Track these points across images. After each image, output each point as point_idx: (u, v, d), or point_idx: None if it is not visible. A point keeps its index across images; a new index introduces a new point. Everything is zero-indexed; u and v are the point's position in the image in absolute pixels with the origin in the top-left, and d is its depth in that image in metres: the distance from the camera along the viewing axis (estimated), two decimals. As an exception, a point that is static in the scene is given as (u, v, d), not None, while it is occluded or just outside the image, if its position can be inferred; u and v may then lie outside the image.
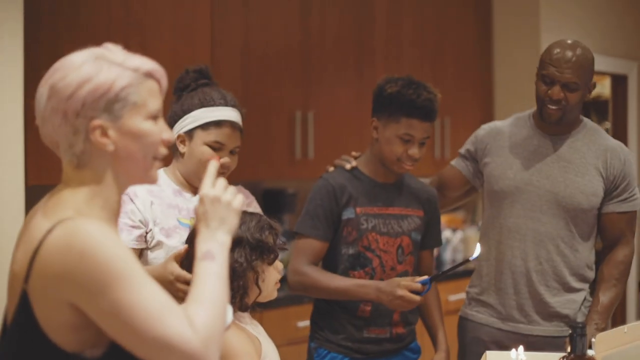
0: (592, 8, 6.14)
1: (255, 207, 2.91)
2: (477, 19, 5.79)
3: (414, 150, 2.88)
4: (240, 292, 2.22)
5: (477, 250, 2.75)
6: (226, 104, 2.75)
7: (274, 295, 2.34)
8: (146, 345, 1.53)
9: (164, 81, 1.72)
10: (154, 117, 1.69)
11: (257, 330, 2.34)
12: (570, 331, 2.96)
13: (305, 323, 4.15)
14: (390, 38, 5.15)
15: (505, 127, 3.22)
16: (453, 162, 3.32)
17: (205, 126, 2.70)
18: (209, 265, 1.66)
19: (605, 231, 3.12)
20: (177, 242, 2.64)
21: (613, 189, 3.06)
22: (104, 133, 1.63)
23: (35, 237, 1.58)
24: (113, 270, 1.52)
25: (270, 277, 2.30)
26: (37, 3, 3.60)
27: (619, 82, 6.53)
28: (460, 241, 5.64)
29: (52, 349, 1.57)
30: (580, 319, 3.08)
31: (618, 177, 3.05)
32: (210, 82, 2.83)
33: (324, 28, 4.79)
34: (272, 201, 4.85)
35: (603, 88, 7.06)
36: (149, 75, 1.68)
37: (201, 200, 1.77)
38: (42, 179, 3.58)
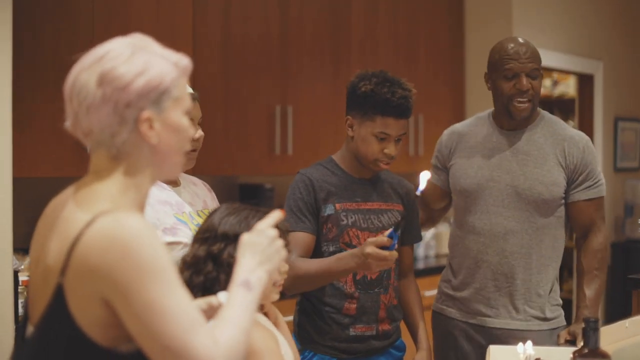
0: (562, 7, 6.21)
1: (213, 198, 2.86)
2: (450, 16, 5.82)
3: (390, 149, 2.86)
4: None
5: (423, 180, 2.64)
6: None
7: (272, 296, 2.28)
8: (168, 352, 1.52)
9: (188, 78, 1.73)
10: (186, 113, 1.70)
11: (272, 328, 2.33)
12: (538, 324, 3.04)
13: (288, 318, 4.14)
14: (366, 34, 5.16)
15: (466, 128, 3.26)
16: (430, 179, 3.38)
17: None
18: (245, 294, 1.67)
19: (575, 220, 3.14)
20: (185, 238, 2.56)
21: (575, 177, 3.07)
22: (151, 125, 1.62)
23: (72, 229, 1.56)
24: (154, 271, 1.51)
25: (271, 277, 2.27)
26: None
27: (585, 81, 6.61)
28: (433, 237, 5.67)
29: (86, 344, 1.55)
30: (547, 312, 3.10)
31: (579, 165, 3.07)
32: None
33: (302, 23, 4.78)
34: (249, 196, 4.83)
35: (568, 87, 7.15)
36: (185, 71, 1.69)
37: (256, 231, 1.77)
38: (28, 171, 3.55)
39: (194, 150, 2.71)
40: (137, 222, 1.54)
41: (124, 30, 3.85)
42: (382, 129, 2.83)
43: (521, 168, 3.08)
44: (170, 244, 2.54)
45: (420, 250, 5.56)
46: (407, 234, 3.08)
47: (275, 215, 1.83)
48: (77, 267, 1.53)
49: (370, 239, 2.58)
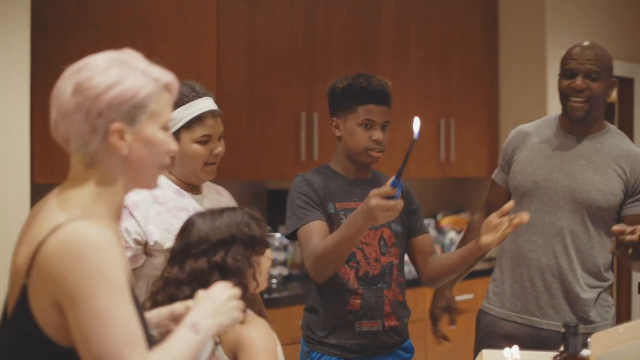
0: (598, 12, 6.15)
1: (227, 203, 2.91)
2: (484, 22, 5.80)
3: (377, 135, 2.93)
4: (243, 290, 2.23)
5: (416, 126, 2.60)
6: (199, 96, 2.78)
7: (265, 285, 2.35)
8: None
9: (176, 94, 1.79)
10: (166, 128, 1.75)
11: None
12: (585, 327, 3.03)
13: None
14: (397, 40, 5.17)
15: (531, 129, 3.31)
16: (493, 176, 3.40)
17: (188, 125, 2.74)
18: (190, 334, 1.73)
19: None
20: None
21: (634, 192, 3.10)
22: (122, 136, 1.68)
23: (39, 233, 1.62)
24: (104, 281, 1.57)
25: (264, 267, 2.32)
26: (43, 5, 3.64)
27: (625, 85, 6.54)
28: (464, 243, 5.65)
29: (47, 343, 1.62)
30: (593, 317, 3.12)
31: (639, 180, 3.10)
32: None
33: (329, 29, 4.82)
34: (276, 201, 4.88)
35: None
36: (167, 87, 1.74)
37: (214, 289, 1.86)
38: (47, 177, 3.63)
39: (213, 164, 2.80)
40: (98, 232, 1.60)
41: (147, 40, 3.99)
42: (365, 116, 2.93)
43: (580, 172, 3.12)
44: None
45: (451, 255, 5.55)
46: (414, 226, 3.09)
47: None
48: (39, 270, 1.60)
49: (374, 191, 2.55)
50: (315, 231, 2.87)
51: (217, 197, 2.94)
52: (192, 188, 2.84)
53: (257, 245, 2.27)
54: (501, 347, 3.06)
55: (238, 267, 2.21)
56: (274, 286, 4.52)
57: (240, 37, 4.42)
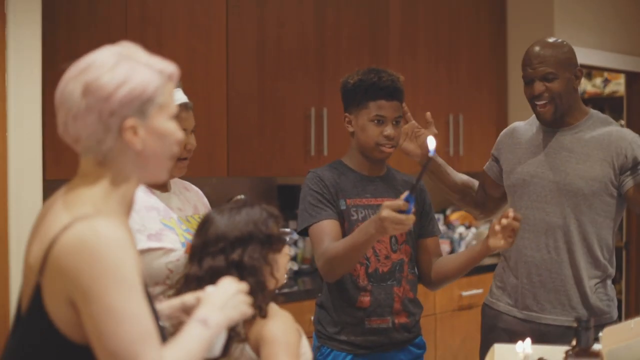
0: (606, 6, 6.16)
1: (204, 204, 2.87)
2: (492, 18, 5.81)
3: (389, 130, 2.94)
4: (260, 287, 2.24)
5: (431, 144, 2.64)
6: None
7: (284, 281, 2.35)
8: (116, 357, 1.58)
9: (177, 82, 1.80)
10: (172, 117, 1.77)
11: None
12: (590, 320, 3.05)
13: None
14: (405, 36, 5.18)
15: (521, 126, 3.35)
16: (485, 167, 3.46)
17: None
18: (201, 329, 1.75)
19: (636, 204, 3.13)
20: (169, 244, 2.57)
21: (625, 169, 3.10)
22: (135, 132, 1.69)
23: (51, 231, 1.64)
24: (118, 278, 1.59)
25: (282, 264, 2.32)
26: (53, 4, 3.66)
27: (634, 79, 6.55)
28: (474, 237, 5.67)
29: (61, 340, 1.64)
30: (595, 308, 3.13)
31: (629, 157, 3.10)
32: None
33: (339, 25, 4.83)
34: (286, 197, 4.90)
35: (618, 85, 7.08)
36: (171, 77, 1.76)
37: (221, 284, 1.90)
38: (59, 173, 3.65)
39: (184, 159, 2.70)
40: (111, 229, 1.61)
41: (157, 37, 4.01)
42: (376, 112, 2.94)
43: (564, 164, 3.15)
44: (154, 249, 2.54)
45: (460, 250, 5.57)
46: (425, 227, 3.11)
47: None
48: (52, 267, 1.61)
49: (387, 202, 2.58)
50: (327, 231, 2.89)
51: (186, 193, 2.84)
52: (161, 186, 2.72)
53: (275, 242, 2.26)
54: (502, 341, 3.09)
55: (255, 266, 2.21)
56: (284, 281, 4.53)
57: (250, 34, 4.43)
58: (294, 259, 4.71)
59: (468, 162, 5.52)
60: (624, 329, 2.41)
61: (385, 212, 2.55)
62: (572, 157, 3.14)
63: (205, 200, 2.93)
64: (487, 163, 3.46)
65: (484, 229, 5.71)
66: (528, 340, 2.30)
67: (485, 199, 3.46)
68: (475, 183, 3.48)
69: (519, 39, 5.83)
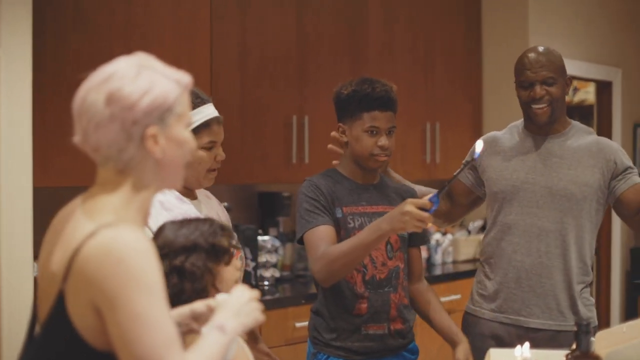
0: (578, 18, 6.26)
1: (223, 211, 3.00)
2: (467, 27, 5.89)
3: (383, 141, 2.96)
4: (199, 295, 2.28)
5: (479, 146, 2.70)
6: (204, 102, 2.81)
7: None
8: None
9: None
10: (189, 127, 1.81)
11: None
12: (573, 325, 3.11)
13: (303, 323, 4.22)
14: (384, 45, 5.24)
15: (500, 135, 3.39)
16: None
17: (195, 131, 2.74)
18: (219, 335, 1.79)
19: (631, 206, 3.17)
20: None
21: (616, 174, 3.16)
22: (156, 141, 1.73)
23: (75, 239, 1.66)
24: (143, 285, 1.61)
25: (229, 276, 2.36)
26: (42, 8, 3.66)
27: (604, 88, 6.65)
28: (450, 244, 5.73)
29: (84, 347, 1.66)
30: (581, 313, 3.18)
31: (619, 163, 3.17)
32: None
33: (319, 34, 4.87)
34: (267, 204, 4.92)
35: (588, 94, 7.19)
36: (186, 87, 1.79)
37: (234, 291, 1.92)
38: (48, 181, 3.65)
39: (213, 170, 2.84)
40: (135, 237, 1.64)
41: (143, 44, 4.02)
42: (370, 122, 2.95)
43: (555, 169, 3.19)
44: None
45: (437, 256, 5.62)
46: (415, 236, 3.13)
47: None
48: (76, 275, 1.64)
49: (411, 199, 2.65)
50: (323, 236, 2.90)
51: (209, 201, 2.97)
52: (189, 193, 2.86)
53: (221, 254, 2.31)
54: (488, 347, 3.14)
55: (195, 273, 2.25)
56: (266, 288, 4.56)
57: (233, 42, 4.46)
58: (274, 265, 4.73)
59: (444, 169, 5.58)
60: (617, 332, 2.46)
61: (409, 207, 2.61)
62: (564, 163, 3.19)
63: (223, 207, 3.04)
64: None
65: (460, 235, 5.77)
66: (527, 344, 2.35)
67: (450, 208, 3.47)
68: (426, 190, 3.52)
69: (494, 47, 5.92)
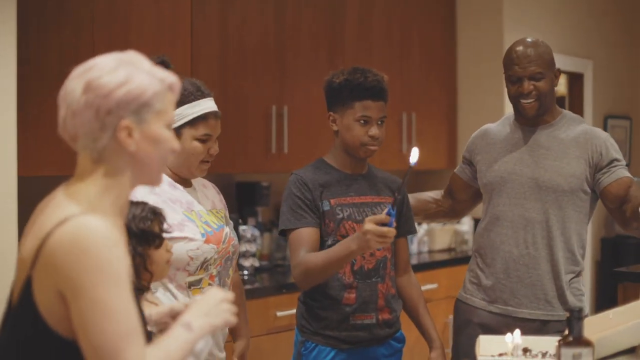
0: (551, 9, 6.33)
1: (220, 200, 3.07)
2: (443, 18, 5.94)
3: (374, 131, 2.98)
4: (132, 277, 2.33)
5: (414, 155, 2.74)
6: (204, 96, 2.85)
7: (162, 276, 2.49)
8: (100, 351, 1.62)
9: (178, 94, 1.84)
10: (169, 126, 1.82)
11: None
12: (561, 314, 3.16)
13: (284, 313, 4.25)
14: (361, 36, 5.27)
15: (493, 127, 3.43)
16: (456, 170, 3.56)
17: (191, 122, 2.81)
18: (183, 332, 1.79)
19: (613, 203, 3.22)
20: (190, 234, 2.78)
21: (601, 166, 3.20)
22: (130, 134, 1.74)
23: (45, 226, 1.68)
24: (107, 274, 1.63)
25: (160, 258, 2.42)
26: (26, 0, 3.64)
27: (575, 80, 6.73)
28: (426, 234, 5.78)
29: (49, 334, 1.68)
30: (570, 302, 3.22)
31: (605, 155, 3.20)
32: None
33: (298, 25, 4.89)
34: (246, 194, 4.93)
35: (559, 86, 7.26)
36: (171, 87, 1.80)
37: (213, 289, 1.94)
38: (34, 170, 3.64)
39: (207, 162, 2.90)
40: (104, 227, 1.66)
41: (124, 35, 4.02)
42: (362, 112, 2.97)
43: (542, 161, 3.23)
44: (177, 238, 2.73)
45: (413, 246, 5.66)
46: (402, 226, 3.14)
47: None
48: (44, 261, 1.65)
49: (369, 217, 2.66)
50: (305, 240, 2.94)
51: (204, 190, 3.03)
52: (184, 181, 2.92)
53: (151, 239, 2.37)
54: (477, 335, 3.18)
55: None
56: (246, 277, 4.57)
57: (213, 34, 4.46)
58: (253, 255, 4.74)
59: (420, 159, 5.59)
60: (603, 319, 2.52)
61: (368, 226, 2.63)
62: (550, 154, 3.23)
63: (221, 196, 3.09)
64: (458, 167, 3.54)
65: (435, 225, 5.82)
66: (517, 331, 2.39)
67: (453, 205, 3.55)
68: (424, 196, 3.57)
69: (469, 37, 5.98)
